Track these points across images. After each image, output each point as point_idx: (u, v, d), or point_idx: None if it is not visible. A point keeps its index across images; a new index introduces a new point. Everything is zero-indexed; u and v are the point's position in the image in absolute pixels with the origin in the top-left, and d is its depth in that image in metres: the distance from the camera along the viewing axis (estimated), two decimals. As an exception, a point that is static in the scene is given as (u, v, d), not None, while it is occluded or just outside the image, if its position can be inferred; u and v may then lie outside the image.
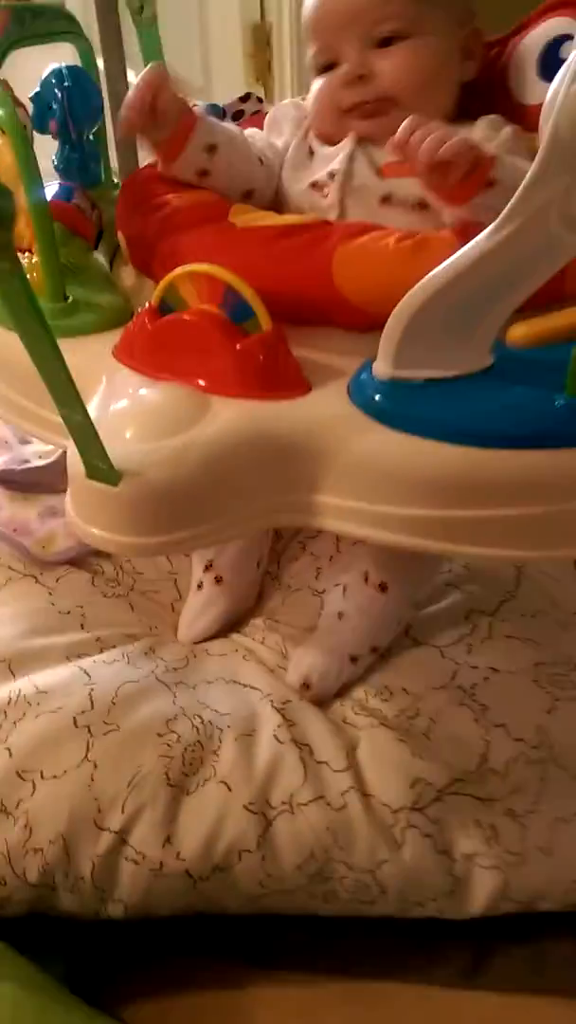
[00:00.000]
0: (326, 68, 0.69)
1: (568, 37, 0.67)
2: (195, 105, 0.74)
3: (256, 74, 1.67)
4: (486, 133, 0.65)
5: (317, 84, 0.70)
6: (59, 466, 0.99)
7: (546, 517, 0.50)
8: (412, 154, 0.56)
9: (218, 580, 0.87)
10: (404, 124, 0.56)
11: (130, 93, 0.65)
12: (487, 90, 0.72)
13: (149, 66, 0.66)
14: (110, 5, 0.82)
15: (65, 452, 0.99)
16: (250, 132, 0.74)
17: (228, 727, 0.75)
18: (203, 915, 0.73)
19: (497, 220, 0.44)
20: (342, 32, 0.67)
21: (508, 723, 0.76)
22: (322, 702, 0.78)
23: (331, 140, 0.71)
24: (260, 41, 1.62)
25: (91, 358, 0.57)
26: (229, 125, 0.71)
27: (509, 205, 0.43)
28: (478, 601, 0.87)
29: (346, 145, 0.68)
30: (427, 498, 0.50)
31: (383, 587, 0.79)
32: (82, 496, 0.51)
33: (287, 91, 1.59)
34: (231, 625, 0.88)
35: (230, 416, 0.52)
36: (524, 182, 0.42)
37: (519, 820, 0.72)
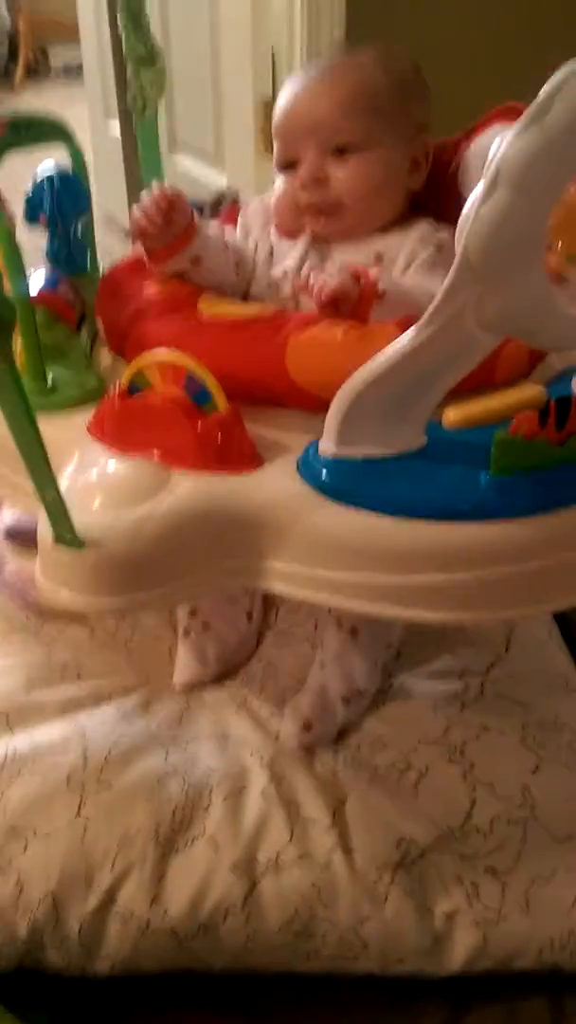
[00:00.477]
0: (287, 166, 0.76)
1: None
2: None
3: (266, 145, 1.74)
4: (421, 234, 0.73)
5: (279, 181, 0.77)
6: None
7: (476, 582, 0.54)
8: (315, 298, 0.63)
9: (205, 627, 0.90)
10: (298, 283, 0.64)
11: (147, 202, 0.71)
12: (442, 190, 0.77)
13: (168, 186, 0.73)
14: (123, 73, 0.91)
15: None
16: (229, 230, 0.80)
17: (218, 785, 0.77)
18: (188, 970, 0.75)
19: (420, 321, 0.49)
20: (304, 138, 0.73)
21: (494, 781, 0.79)
22: (321, 744, 0.81)
23: (290, 235, 0.77)
24: (271, 115, 1.70)
25: (68, 432, 0.63)
26: (215, 230, 0.77)
27: (430, 309, 0.49)
28: (471, 662, 0.90)
29: (300, 245, 0.75)
30: (367, 565, 0.55)
31: (354, 632, 0.84)
32: (49, 559, 0.56)
33: None
34: (227, 672, 0.91)
35: (188, 487, 0.57)
36: (441, 290, 0.48)
37: (500, 878, 0.74)
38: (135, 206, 0.72)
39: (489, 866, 0.75)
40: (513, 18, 1.58)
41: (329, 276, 0.63)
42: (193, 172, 1.99)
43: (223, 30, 1.77)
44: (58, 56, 4.60)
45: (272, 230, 0.79)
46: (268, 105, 1.68)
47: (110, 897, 0.72)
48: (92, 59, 2.40)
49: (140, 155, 0.94)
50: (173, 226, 0.71)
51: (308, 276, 0.64)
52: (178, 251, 0.73)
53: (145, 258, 0.75)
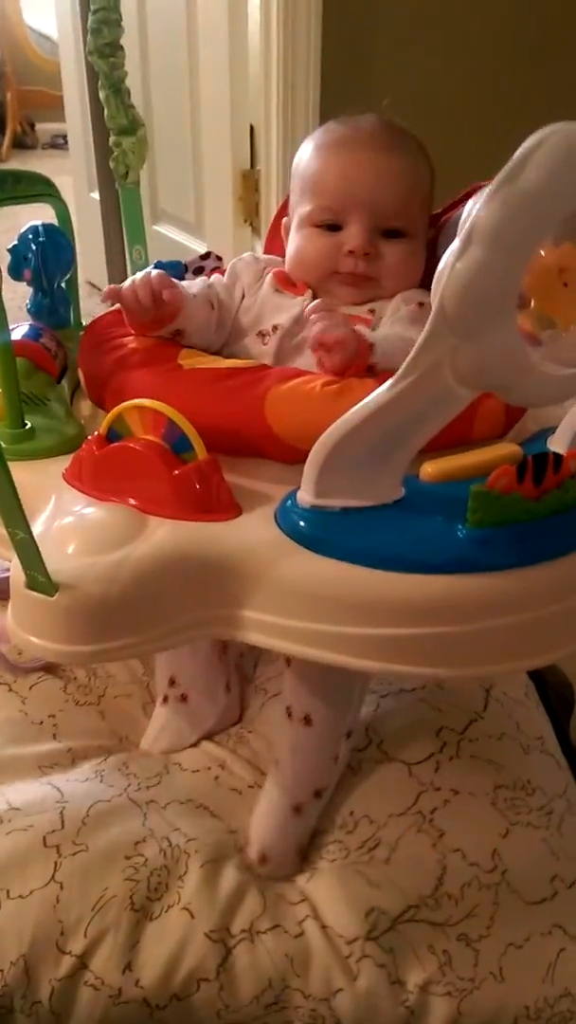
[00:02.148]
0: (326, 226, 0.78)
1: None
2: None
3: (245, 215, 1.79)
4: (404, 296, 0.76)
5: (307, 235, 0.78)
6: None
7: (453, 637, 0.54)
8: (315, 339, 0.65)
9: (183, 698, 0.88)
10: (311, 307, 0.67)
11: (139, 283, 0.71)
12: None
13: (159, 272, 0.74)
14: (107, 145, 0.93)
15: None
16: (214, 280, 0.82)
17: (195, 852, 0.75)
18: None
19: (397, 373, 0.50)
20: (358, 208, 0.76)
21: (464, 847, 0.77)
22: (284, 870, 0.78)
23: (291, 287, 0.79)
24: (249, 186, 1.75)
25: (44, 479, 0.62)
26: (199, 289, 0.78)
27: (406, 362, 0.49)
28: (448, 719, 0.89)
29: (300, 300, 0.77)
30: (343, 616, 0.54)
31: (307, 720, 0.79)
32: (22, 605, 0.55)
33: (267, 232, 1.71)
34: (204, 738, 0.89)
35: (164, 534, 0.56)
36: (417, 343, 0.49)
37: (472, 946, 0.73)
38: (127, 283, 0.73)
39: (462, 933, 0.73)
40: (486, 88, 1.66)
41: (335, 325, 0.65)
42: (175, 241, 2.03)
43: (203, 106, 1.84)
44: (45, 129, 4.69)
45: (266, 283, 0.80)
46: (247, 177, 1.74)
47: (82, 963, 0.70)
48: (77, 131, 2.47)
49: (124, 221, 0.96)
50: (159, 311, 0.72)
51: (317, 317, 0.66)
52: (161, 326, 0.74)
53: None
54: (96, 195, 1.92)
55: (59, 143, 4.30)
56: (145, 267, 0.92)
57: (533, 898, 0.76)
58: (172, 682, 0.89)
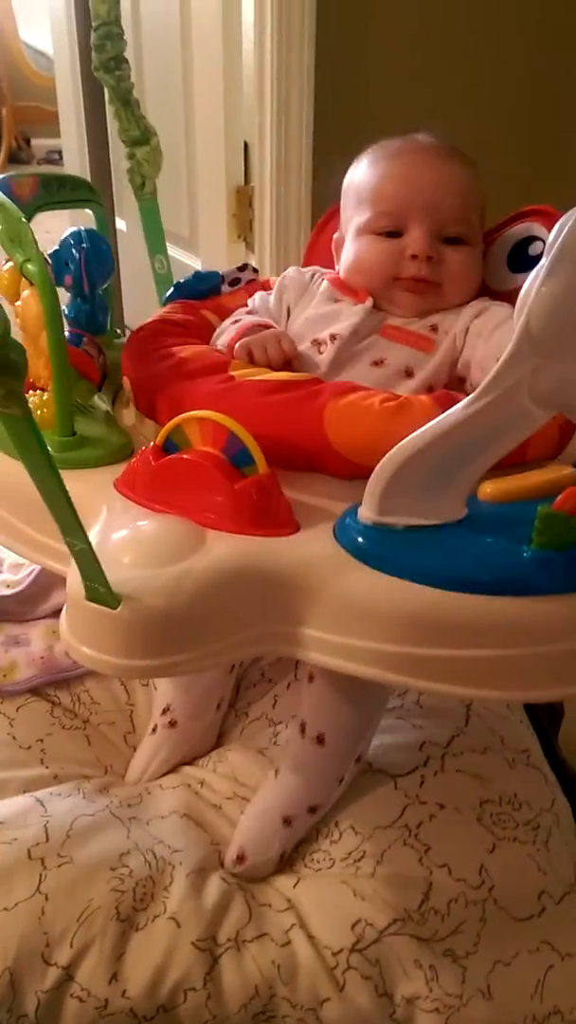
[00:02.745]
0: (386, 233, 0.75)
1: (535, 238, 0.76)
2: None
3: (239, 231, 1.76)
4: (475, 309, 0.73)
5: (366, 241, 0.76)
6: (22, 596, 0.99)
7: (510, 660, 0.52)
8: None
9: (172, 724, 0.85)
10: None
11: (272, 347, 0.70)
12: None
13: (282, 334, 0.73)
14: (103, 160, 0.90)
15: (30, 583, 1.00)
16: (259, 299, 0.80)
17: (180, 863, 0.73)
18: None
19: (474, 392, 0.48)
20: (420, 214, 0.74)
21: (450, 863, 0.75)
22: (257, 876, 0.75)
23: (350, 292, 0.76)
24: (243, 202, 1.72)
25: (94, 489, 0.59)
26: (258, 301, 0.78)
27: (486, 380, 0.48)
28: (431, 735, 0.87)
29: (359, 311, 0.74)
30: (402, 635, 0.52)
31: (320, 739, 0.76)
32: (80, 617, 0.52)
33: (266, 247, 1.67)
34: (186, 761, 0.87)
35: (224, 549, 0.54)
36: (500, 362, 0.47)
37: (459, 962, 0.71)
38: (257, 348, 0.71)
39: (448, 949, 0.72)
40: (479, 103, 1.65)
41: None
42: (169, 257, 2.00)
43: (197, 123, 1.82)
44: (40, 145, 4.61)
45: (321, 290, 0.78)
46: (241, 193, 1.72)
47: (68, 974, 0.68)
48: (72, 147, 2.42)
49: (144, 232, 0.93)
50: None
51: None
52: None
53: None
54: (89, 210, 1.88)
55: (54, 158, 4.25)
56: (169, 278, 0.89)
57: (520, 914, 0.74)
58: (165, 710, 0.86)
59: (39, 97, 4.26)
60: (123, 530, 0.55)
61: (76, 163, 2.38)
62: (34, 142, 4.68)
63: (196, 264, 1.85)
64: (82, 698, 0.93)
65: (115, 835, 0.75)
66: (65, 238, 0.76)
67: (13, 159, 4.62)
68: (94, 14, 0.82)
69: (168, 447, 0.58)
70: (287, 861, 0.76)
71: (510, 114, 1.67)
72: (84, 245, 0.75)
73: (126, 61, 0.85)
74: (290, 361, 0.72)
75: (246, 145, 1.68)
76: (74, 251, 0.75)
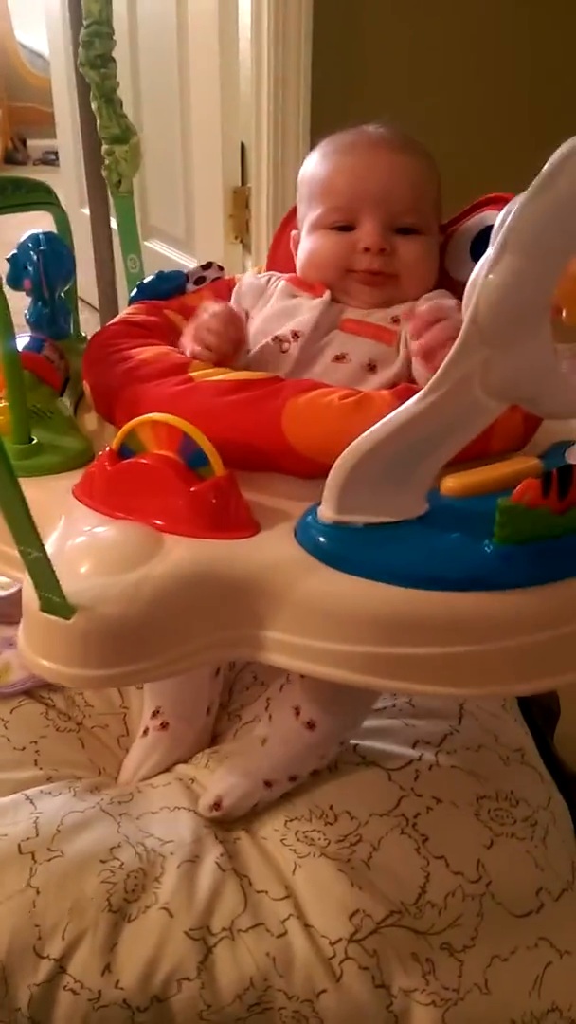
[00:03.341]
0: (339, 227, 0.74)
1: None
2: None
3: (235, 232, 1.76)
4: (430, 298, 0.72)
5: (319, 236, 0.75)
6: (16, 598, 0.98)
7: (477, 656, 0.51)
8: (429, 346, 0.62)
9: (163, 726, 0.85)
10: (424, 311, 0.63)
11: (212, 322, 0.69)
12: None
13: (224, 306, 0.72)
14: (98, 160, 0.90)
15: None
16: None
17: (171, 854, 0.72)
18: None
19: (426, 386, 0.47)
20: (371, 206, 0.73)
21: (447, 855, 0.74)
22: (231, 818, 0.76)
23: (307, 288, 0.75)
24: (240, 203, 1.72)
25: (52, 496, 0.58)
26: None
27: (436, 374, 0.46)
28: (423, 734, 0.86)
29: (318, 305, 0.73)
30: (366, 635, 0.51)
31: (311, 725, 0.77)
32: (34, 628, 0.51)
33: (262, 248, 1.67)
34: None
35: (182, 553, 0.53)
36: (449, 354, 0.46)
37: (456, 956, 0.70)
38: (195, 324, 0.70)
39: (445, 943, 0.70)
40: (474, 104, 1.66)
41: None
42: (165, 258, 2.01)
43: (194, 124, 1.82)
44: (36, 145, 4.62)
45: (278, 290, 0.77)
46: (237, 193, 1.72)
47: (60, 967, 0.67)
48: (68, 147, 2.43)
49: (118, 230, 0.92)
50: (233, 338, 0.70)
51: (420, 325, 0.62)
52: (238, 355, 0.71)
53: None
54: (86, 211, 1.88)
55: (50, 159, 4.25)
56: (140, 276, 0.89)
57: (519, 911, 0.73)
58: (155, 713, 0.85)
59: (35, 98, 4.28)
60: (80, 537, 0.54)
61: (72, 163, 2.39)
62: (30, 143, 4.69)
63: (192, 265, 1.85)
64: (76, 700, 0.92)
65: (105, 830, 0.74)
66: (23, 241, 0.75)
67: (9, 160, 4.65)
68: (86, 12, 0.82)
69: (124, 452, 0.56)
70: (282, 851, 0.75)
71: (508, 110, 1.67)
72: (42, 248, 0.74)
73: (112, 60, 0.85)
74: (240, 341, 0.71)
75: (243, 146, 1.69)
76: (32, 254, 0.74)
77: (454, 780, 0.81)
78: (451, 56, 1.63)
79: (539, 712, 0.98)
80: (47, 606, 0.49)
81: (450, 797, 0.79)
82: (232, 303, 0.78)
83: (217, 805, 0.75)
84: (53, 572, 0.48)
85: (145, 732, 0.85)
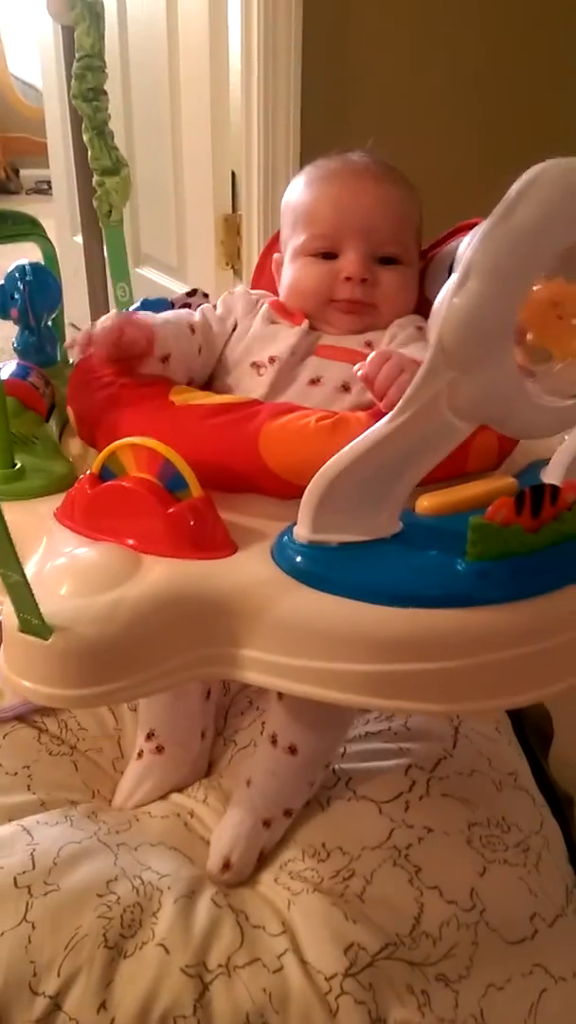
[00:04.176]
0: (321, 255, 0.77)
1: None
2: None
3: (226, 259, 1.79)
4: (400, 322, 0.75)
5: (301, 264, 0.77)
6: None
7: (452, 672, 0.52)
8: (380, 391, 0.62)
9: (159, 750, 0.85)
10: (372, 360, 0.63)
11: (99, 331, 0.69)
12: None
13: (113, 314, 0.73)
14: (90, 189, 0.92)
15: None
16: (204, 308, 0.80)
17: (168, 888, 0.73)
18: None
19: (395, 408, 0.49)
20: (354, 236, 0.75)
21: (441, 885, 0.75)
22: (242, 876, 0.76)
23: (287, 315, 0.77)
24: (231, 230, 1.75)
25: (35, 519, 0.60)
26: (171, 317, 0.77)
27: (405, 396, 0.48)
28: (417, 758, 0.86)
29: (295, 333, 0.75)
30: (343, 653, 0.52)
31: (292, 749, 0.77)
32: (15, 649, 0.52)
33: (253, 274, 1.73)
34: (175, 789, 0.87)
35: (160, 574, 0.54)
36: (416, 377, 0.48)
37: (452, 986, 0.70)
38: (87, 329, 0.71)
39: (440, 974, 0.71)
40: (464, 132, 1.70)
41: (395, 370, 0.62)
42: (157, 284, 2.04)
43: (185, 153, 1.85)
44: (29, 175, 4.70)
45: (260, 314, 0.79)
46: (228, 221, 1.75)
47: (56, 1004, 0.67)
48: (60, 177, 2.47)
49: (108, 259, 0.95)
50: (129, 347, 0.70)
51: (383, 366, 0.62)
52: (141, 361, 0.72)
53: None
54: (79, 239, 1.92)
55: (43, 188, 4.31)
56: (130, 304, 0.91)
57: (513, 937, 0.74)
58: (150, 736, 0.86)
59: (28, 128, 4.35)
60: (60, 559, 0.56)
61: (64, 192, 2.42)
62: (23, 172, 4.77)
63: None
64: (69, 724, 0.93)
65: (102, 862, 0.75)
66: (10, 272, 0.78)
67: (2, 189, 4.72)
68: (78, 46, 0.85)
69: (105, 474, 0.58)
70: (276, 888, 0.76)
71: (493, 136, 1.71)
72: (28, 278, 0.76)
73: (104, 93, 0.87)
74: (151, 341, 0.70)
75: (233, 175, 1.72)
76: (19, 284, 0.77)
77: (445, 808, 0.81)
78: (438, 86, 1.66)
79: (532, 733, 0.99)
80: (26, 627, 0.51)
81: (442, 826, 0.79)
82: (219, 312, 0.80)
83: (227, 865, 0.75)
84: (32, 594, 0.49)
85: (140, 755, 0.86)
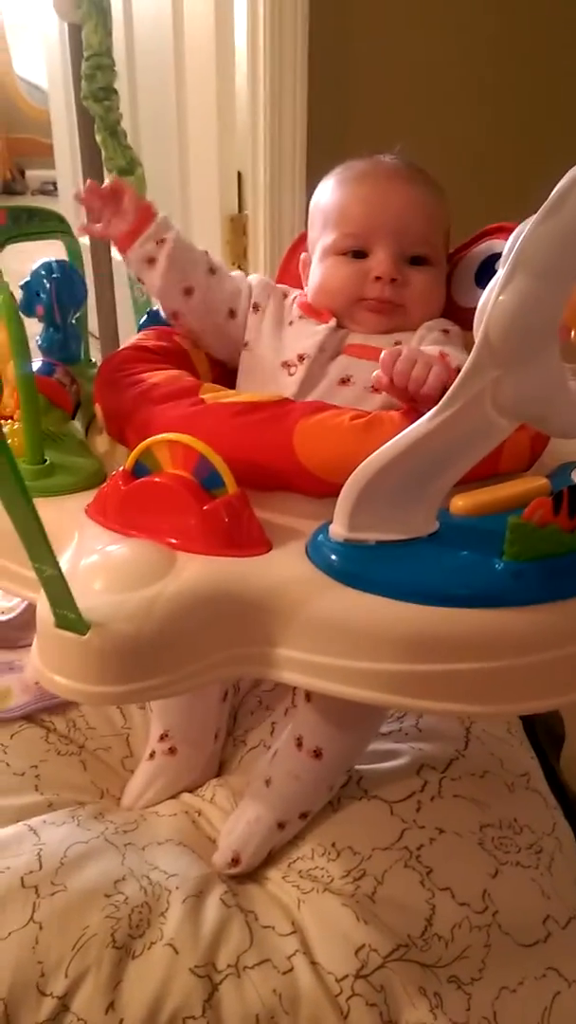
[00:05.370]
0: (351, 254, 0.77)
1: (500, 255, 0.76)
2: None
3: (233, 259, 1.78)
4: (427, 325, 0.75)
5: (331, 263, 0.77)
6: (17, 622, 1.00)
7: (488, 673, 0.52)
8: (399, 386, 0.61)
9: (172, 751, 0.85)
10: (384, 358, 0.62)
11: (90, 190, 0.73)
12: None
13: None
14: None
15: (24, 609, 1.00)
16: (239, 274, 0.81)
17: (176, 888, 0.72)
18: None
19: (438, 405, 0.49)
20: (385, 235, 0.75)
21: (453, 886, 0.74)
22: (250, 870, 0.76)
23: (315, 314, 0.77)
24: (237, 230, 1.75)
25: (65, 516, 0.60)
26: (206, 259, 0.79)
27: (448, 392, 0.48)
28: (429, 758, 0.86)
29: (322, 330, 0.75)
30: (379, 653, 0.52)
31: (317, 753, 0.77)
32: (49, 645, 0.52)
33: (260, 273, 1.74)
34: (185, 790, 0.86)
35: (195, 571, 0.54)
36: (461, 374, 0.47)
37: (464, 988, 0.70)
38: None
39: (453, 976, 0.70)
40: (475, 133, 1.69)
41: (419, 362, 0.61)
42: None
43: (191, 153, 1.85)
44: (35, 176, 4.71)
45: (291, 311, 0.79)
46: (235, 221, 1.75)
47: (64, 1004, 0.66)
48: (66, 177, 2.46)
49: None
50: (122, 204, 0.73)
51: (397, 362, 0.61)
52: (141, 231, 0.74)
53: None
54: (85, 240, 1.92)
55: (48, 189, 4.33)
56: (148, 305, 0.90)
57: (526, 940, 0.73)
58: (163, 736, 0.86)
59: (34, 129, 4.37)
60: (94, 555, 0.55)
61: (70, 193, 2.42)
62: (29, 173, 4.79)
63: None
64: (77, 723, 0.92)
65: (110, 862, 0.74)
66: (36, 269, 0.77)
67: (8, 190, 4.74)
68: (86, 44, 0.85)
69: (138, 471, 0.58)
70: (287, 888, 0.76)
71: (508, 140, 1.71)
72: (55, 275, 0.76)
73: (115, 91, 0.87)
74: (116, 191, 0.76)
75: (240, 175, 1.72)
76: (45, 281, 0.76)
77: (457, 809, 0.81)
78: (448, 84, 1.66)
79: (544, 735, 0.99)
80: (62, 622, 0.50)
81: (453, 827, 0.79)
82: (256, 288, 0.80)
83: (236, 861, 0.75)
84: (68, 589, 0.49)
85: (152, 755, 0.86)
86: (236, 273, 0.81)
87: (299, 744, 0.77)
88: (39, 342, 0.80)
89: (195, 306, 0.78)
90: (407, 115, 1.63)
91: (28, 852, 0.74)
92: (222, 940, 0.70)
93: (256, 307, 0.80)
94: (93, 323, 1.96)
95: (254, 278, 0.82)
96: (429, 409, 0.49)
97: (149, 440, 0.57)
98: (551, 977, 0.72)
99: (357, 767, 0.84)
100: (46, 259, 0.78)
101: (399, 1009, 0.68)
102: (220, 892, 0.73)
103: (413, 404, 0.62)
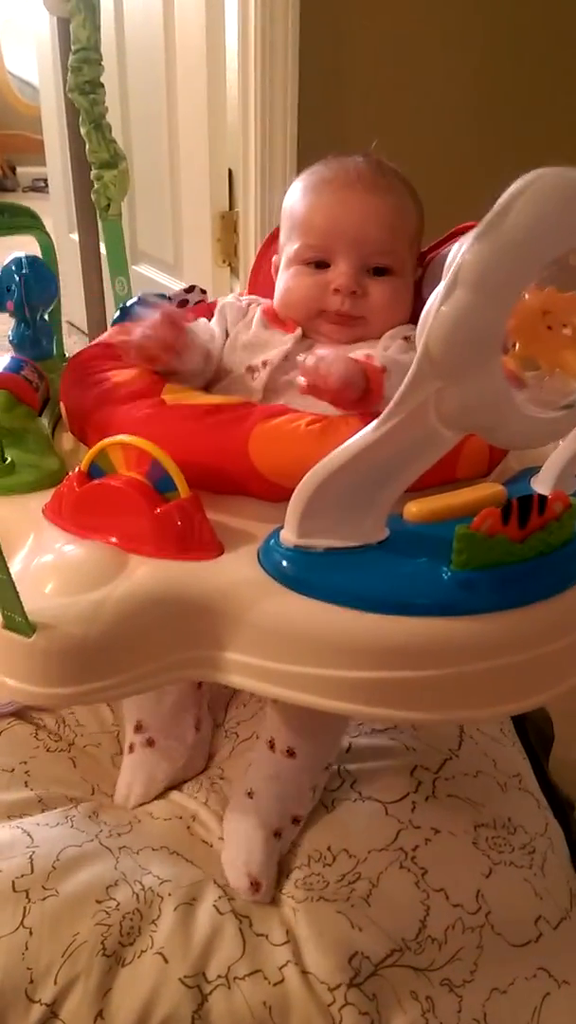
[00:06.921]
0: (314, 264, 0.77)
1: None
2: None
3: (223, 256, 1.80)
4: (391, 332, 0.75)
5: (294, 273, 0.78)
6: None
7: (436, 680, 0.52)
8: (322, 386, 0.62)
9: (150, 743, 0.86)
10: (307, 365, 0.63)
11: (153, 329, 0.70)
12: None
13: (168, 308, 0.74)
14: (87, 186, 0.92)
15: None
16: (201, 323, 0.80)
17: (169, 895, 0.73)
18: None
19: (382, 414, 0.49)
20: (346, 246, 0.75)
21: (447, 887, 0.75)
22: (268, 899, 0.75)
23: (279, 324, 0.78)
24: (228, 228, 1.77)
25: (24, 515, 0.61)
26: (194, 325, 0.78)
27: (392, 402, 0.48)
28: (422, 759, 0.87)
29: (289, 340, 0.76)
30: (325, 658, 0.53)
31: (291, 752, 0.78)
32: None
33: (250, 271, 1.75)
34: (174, 785, 0.87)
35: (145, 574, 0.55)
36: (403, 384, 0.48)
37: (456, 991, 0.71)
38: (138, 329, 0.71)
39: (445, 979, 0.71)
40: (462, 128, 1.70)
41: (325, 360, 0.62)
42: (154, 282, 2.05)
43: (182, 151, 1.86)
44: (26, 172, 4.72)
45: (255, 320, 0.79)
46: (225, 218, 1.77)
47: (52, 1012, 0.67)
48: (57, 174, 2.48)
49: (106, 253, 0.95)
50: (181, 354, 0.72)
51: (307, 360, 0.63)
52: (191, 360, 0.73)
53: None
54: (75, 236, 1.93)
55: (39, 186, 4.33)
56: (128, 298, 0.91)
57: (517, 940, 0.74)
58: (138, 727, 0.86)
59: (24, 125, 4.37)
60: (47, 556, 0.56)
61: (61, 190, 2.44)
62: (19, 170, 4.80)
63: (181, 289, 1.90)
64: (67, 720, 0.93)
65: (102, 866, 0.74)
66: (7, 264, 0.78)
67: (-1, 186, 4.74)
68: (74, 38, 0.85)
69: (93, 472, 0.59)
70: (281, 894, 0.76)
71: (492, 138, 1.71)
72: (25, 271, 0.76)
73: (101, 86, 0.88)
74: (178, 349, 0.71)
75: (230, 172, 1.73)
76: (15, 276, 0.77)
77: (452, 809, 0.82)
78: (435, 84, 1.67)
79: (535, 735, 1.00)
80: (9, 624, 0.51)
81: (448, 827, 0.80)
82: (214, 321, 0.81)
83: (255, 885, 0.74)
84: (15, 591, 0.50)
85: (131, 748, 0.86)
86: (200, 321, 0.81)
87: (272, 746, 0.78)
88: (10, 338, 0.81)
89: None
90: (397, 112, 1.64)
91: (20, 855, 0.74)
92: (213, 949, 0.70)
93: (227, 333, 0.80)
94: (81, 317, 1.99)
95: (226, 302, 0.82)
96: (345, 408, 0.48)
97: (104, 442, 0.58)
98: (541, 977, 0.73)
99: (350, 768, 0.85)
100: (16, 254, 0.78)
101: (390, 1016, 0.69)
102: (214, 899, 0.73)
103: (334, 403, 0.63)
